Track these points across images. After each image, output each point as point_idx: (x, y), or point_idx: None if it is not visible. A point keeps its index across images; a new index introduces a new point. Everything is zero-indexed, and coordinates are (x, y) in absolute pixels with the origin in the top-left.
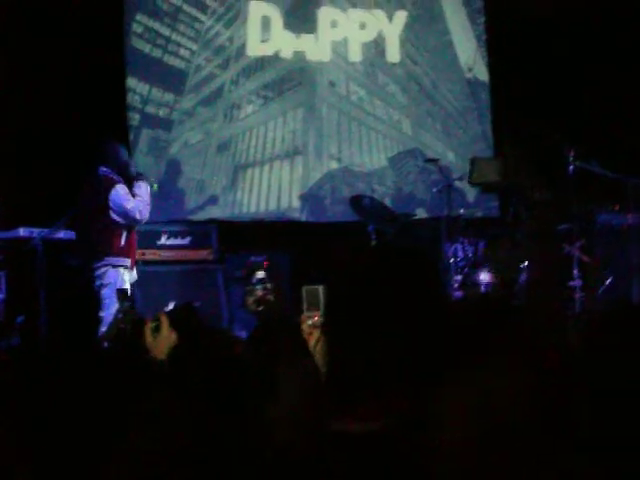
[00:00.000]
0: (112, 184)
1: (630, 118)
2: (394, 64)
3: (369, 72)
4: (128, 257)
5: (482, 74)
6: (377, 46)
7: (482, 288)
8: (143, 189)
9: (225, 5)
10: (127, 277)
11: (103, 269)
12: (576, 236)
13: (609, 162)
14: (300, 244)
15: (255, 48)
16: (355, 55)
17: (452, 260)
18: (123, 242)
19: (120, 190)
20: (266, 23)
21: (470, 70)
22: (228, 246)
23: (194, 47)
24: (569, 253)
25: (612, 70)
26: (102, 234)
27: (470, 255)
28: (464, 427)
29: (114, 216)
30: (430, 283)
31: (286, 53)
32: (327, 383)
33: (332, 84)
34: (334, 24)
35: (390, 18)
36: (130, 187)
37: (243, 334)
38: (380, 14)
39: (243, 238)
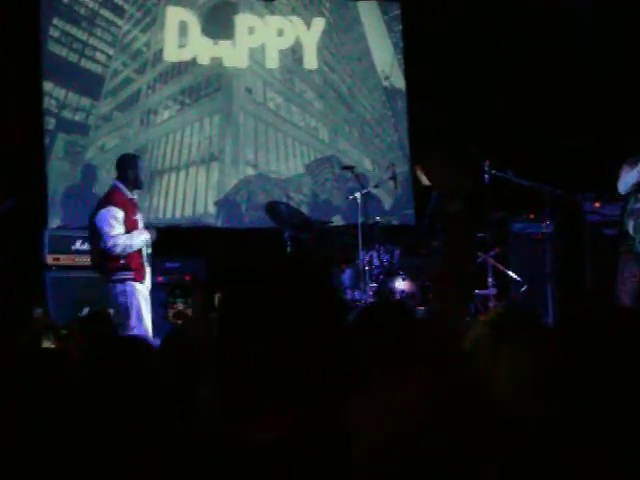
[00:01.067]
0: (108, 203)
1: (546, 127)
2: (311, 71)
3: (286, 79)
4: (131, 270)
5: (399, 82)
6: (294, 53)
7: (397, 296)
8: (142, 237)
9: (142, 10)
10: (140, 287)
11: (111, 284)
12: (491, 244)
13: (525, 171)
14: (216, 250)
15: (172, 53)
16: (272, 62)
17: (367, 267)
18: (123, 260)
19: (109, 212)
20: (183, 28)
21: (387, 78)
22: None
23: (111, 51)
24: (484, 261)
25: (527, 79)
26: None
27: (386, 263)
28: (375, 434)
29: (95, 233)
30: (328, 292)
31: (203, 59)
32: (224, 392)
33: (249, 90)
34: (251, 30)
35: (308, 25)
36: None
37: (156, 341)
38: (298, 21)
39: (159, 244)
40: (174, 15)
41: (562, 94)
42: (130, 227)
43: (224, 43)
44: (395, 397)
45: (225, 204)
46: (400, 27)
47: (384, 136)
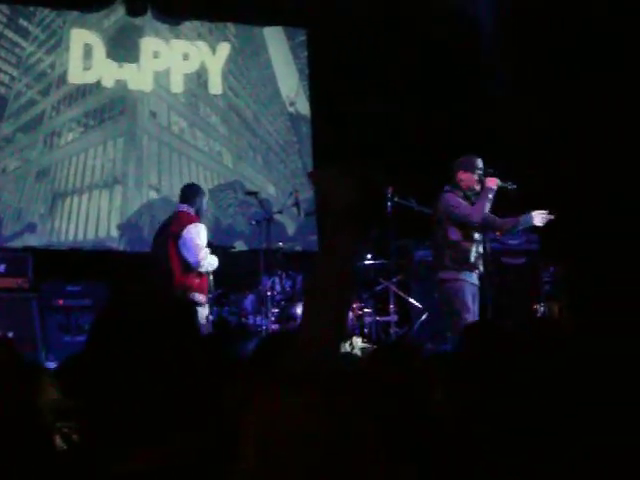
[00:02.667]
0: (194, 220)
1: (448, 155)
2: (216, 96)
3: (191, 103)
4: (202, 294)
5: (304, 108)
6: (199, 77)
7: (298, 321)
8: (216, 260)
9: (47, 32)
10: (203, 313)
11: None
12: (393, 271)
13: (428, 199)
14: (118, 274)
15: (77, 76)
16: (177, 86)
17: (270, 293)
18: (198, 280)
19: (201, 229)
20: (88, 51)
21: (292, 104)
22: (45, 274)
23: (15, 73)
24: (386, 288)
25: (432, 106)
26: (182, 272)
27: (288, 288)
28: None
29: (181, 247)
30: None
31: (108, 82)
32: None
33: (153, 114)
34: (157, 54)
35: (213, 50)
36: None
37: (54, 364)
38: (203, 46)
39: (60, 267)
40: (79, 37)
41: (465, 122)
42: None
43: (129, 66)
44: (282, 418)
45: (128, 227)
46: (305, 53)
47: (288, 162)
